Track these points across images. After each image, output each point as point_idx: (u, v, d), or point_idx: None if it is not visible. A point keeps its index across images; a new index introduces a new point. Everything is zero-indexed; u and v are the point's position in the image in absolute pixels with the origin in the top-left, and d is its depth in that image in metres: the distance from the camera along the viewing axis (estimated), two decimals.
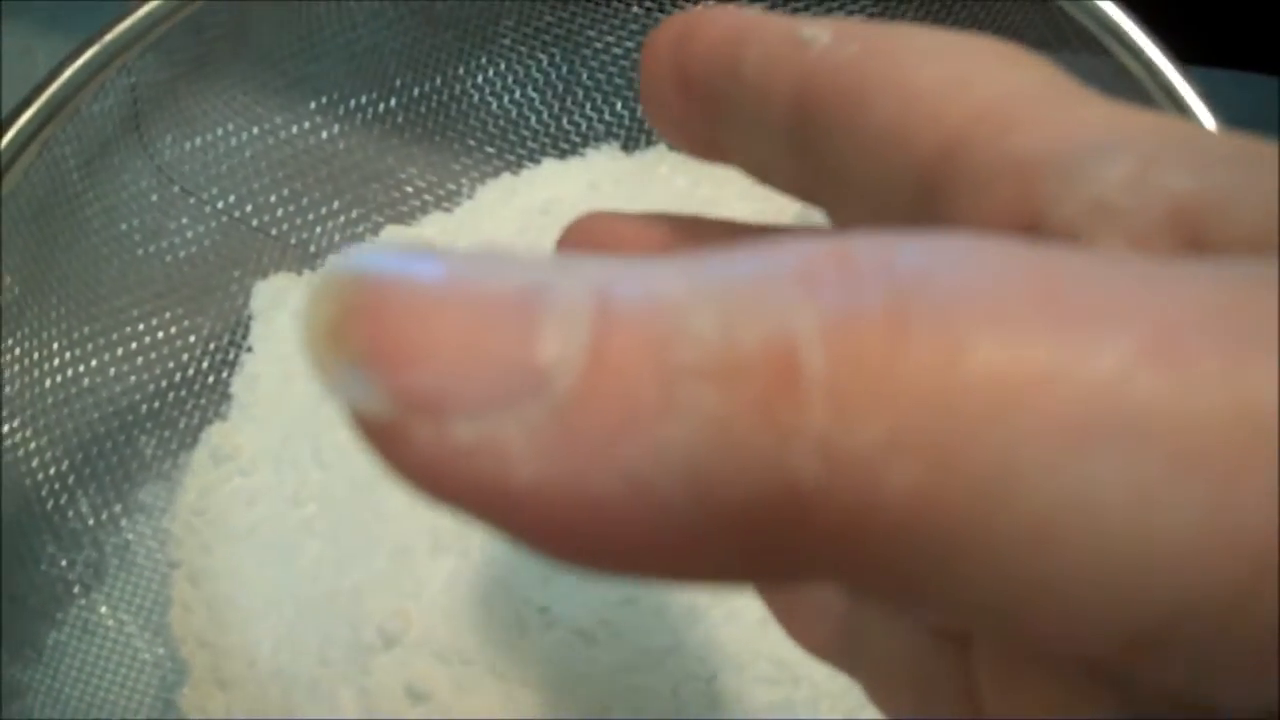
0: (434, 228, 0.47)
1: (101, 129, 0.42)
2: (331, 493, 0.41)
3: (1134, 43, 0.38)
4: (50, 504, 0.43)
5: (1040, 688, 0.11)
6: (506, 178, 0.48)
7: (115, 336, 0.44)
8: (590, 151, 0.48)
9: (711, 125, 0.16)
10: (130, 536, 0.44)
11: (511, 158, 0.49)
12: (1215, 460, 0.08)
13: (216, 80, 0.45)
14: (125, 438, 0.44)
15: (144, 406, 0.45)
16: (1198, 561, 0.08)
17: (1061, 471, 0.08)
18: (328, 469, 0.42)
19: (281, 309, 0.46)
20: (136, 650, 0.42)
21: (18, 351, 0.41)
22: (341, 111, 0.48)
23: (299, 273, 0.47)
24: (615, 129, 0.49)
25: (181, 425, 0.45)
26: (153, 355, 0.45)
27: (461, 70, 0.49)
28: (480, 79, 0.49)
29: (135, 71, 0.42)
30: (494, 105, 0.49)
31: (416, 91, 0.48)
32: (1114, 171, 0.11)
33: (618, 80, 0.49)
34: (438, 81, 0.49)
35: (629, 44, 0.48)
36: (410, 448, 0.09)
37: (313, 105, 0.47)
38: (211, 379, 0.46)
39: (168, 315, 0.45)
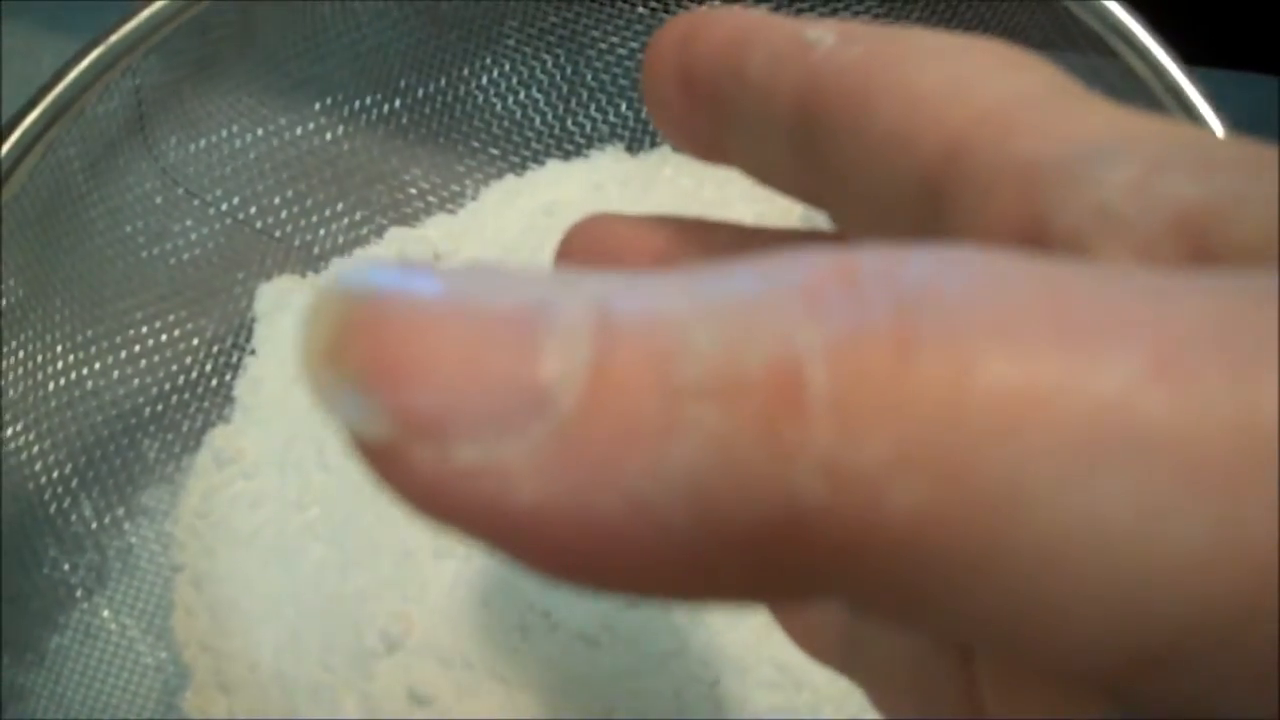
0: (438, 229, 0.47)
1: (106, 131, 0.42)
2: (334, 496, 0.41)
3: (1140, 43, 0.37)
4: (53, 507, 0.43)
5: (1042, 694, 0.11)
6: (510, 179, 0.48)
7: (119, 339, 0.44)
8: (594, 153, 0.48)
9: (715, 126, 0.16)
10: (133, 540, 0.44)
11: (516, 159, 0.49)
12: (1219, 476, 0.08)
13: (221, 82, 0.45)
14: (128, 441, 0.44)
15: (147, 409, 0.45)
16: (1202, 577, 0.08)
17: (1069, 489, 0.08)
18: (331, 472, 0.42)
19: (285, 311, 0.46)
20: (139, 654, 0.42)
21: (21, 354, 0.41)
22: (346, 113, 0.48)
23: (303, 275, 0.47)
24: (619, 130, 0.49)
25: (184, 428, 0.45)
26: (156, 358, 0.45)
27: (466, 71, 0.49)
28: (485, 80, 0.49)
29: (140, 73, 0.42)
30: (498, 106, 0.49)
31: (421, 92, 0.48)
32: (1118, 177, 0.11)
33: (622, 81, 0.49)
34: (442, 82, 0.49)
35: (633, 45, 0.48)
36: (409, 469, 0.09)
37: (317, 106, 0.47)
38: (215, 382, 0.46)
39: (171, 318, 0.45)
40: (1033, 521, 0.08)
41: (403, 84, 0.48)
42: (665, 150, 0.48)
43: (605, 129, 0.49)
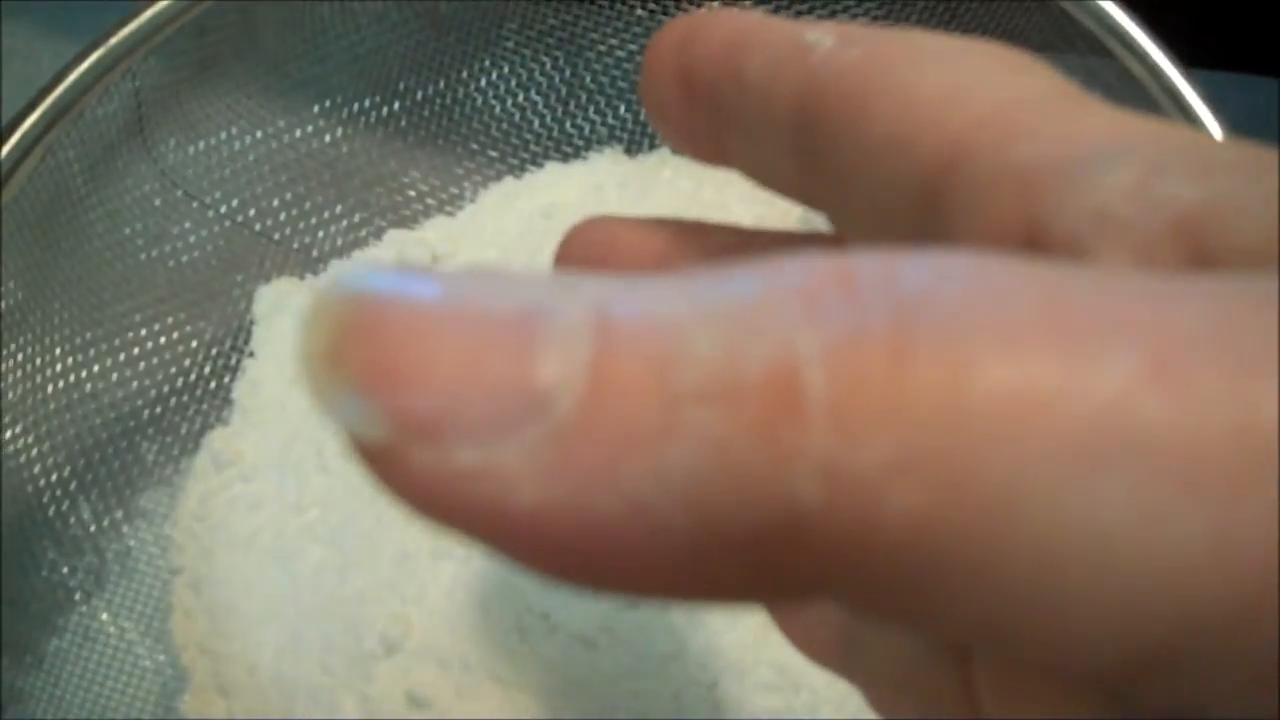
0: (436, 231, 0.47)
1: (105, 133, 0.42)
2: (333, 499, 0.41)
3: (1138, 46, 0.37)
4: (51, 510, 0.43)
5: (1041, 695, 0.12)
6: (509, 181, 0.48)
7: (117, 342, 0.44)
8: (593, 155, 0.48)
9: (714, 128, 0.16)
10: (131, 543, 0.44)
11: (514, 161, 0.49)
12: (1217, 479, 0.08)
13: (220, 84, 0.45)
14: (127, 443, 0.44)
15: (146, 412, 0.45)
16: (1200, 580, 0.08)
17: (1067, 493, 0.08)
18: (330, 475, 0.42)
19: (284, 314, 0.46)
20: (137, 657, 0.42)
21: (20, 357, 0.41)
22: (345, 115, 0.48)
23: (301, 277, 0.47)
24: (618, 132, 0.49)
25: (183, 431, 0.45)
26: (155, 360, 0.45)
27: (465, 73, 0.49)
28: (484, 82, 0.49)
29: (139, 75, 0.42)
30: (497, 109, 0.49)
31: (420, 95, 0.48)
32: (1116, 180, 0.11)
33: (621, 84, 0.49)
34: (441, 85, 0.49)
35: (632, 47, 0.48)
36: (408, 471, 0.09)
37: (316, 109, 0.47)
38: (213, 384, 0.46)
39: (170, 320, 0.45)
40: (1031, 525, 0.08)
41: (402, 86, 0.48)
42: (664, 152, 0.48)
43: (604, 131, 0.49)
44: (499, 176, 0.49)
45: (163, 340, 0.45)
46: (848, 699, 0.37)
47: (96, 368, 0.44)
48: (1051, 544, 0.08)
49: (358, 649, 0.38)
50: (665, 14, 0.47)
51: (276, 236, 0.47)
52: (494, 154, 0.49)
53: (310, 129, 0.47)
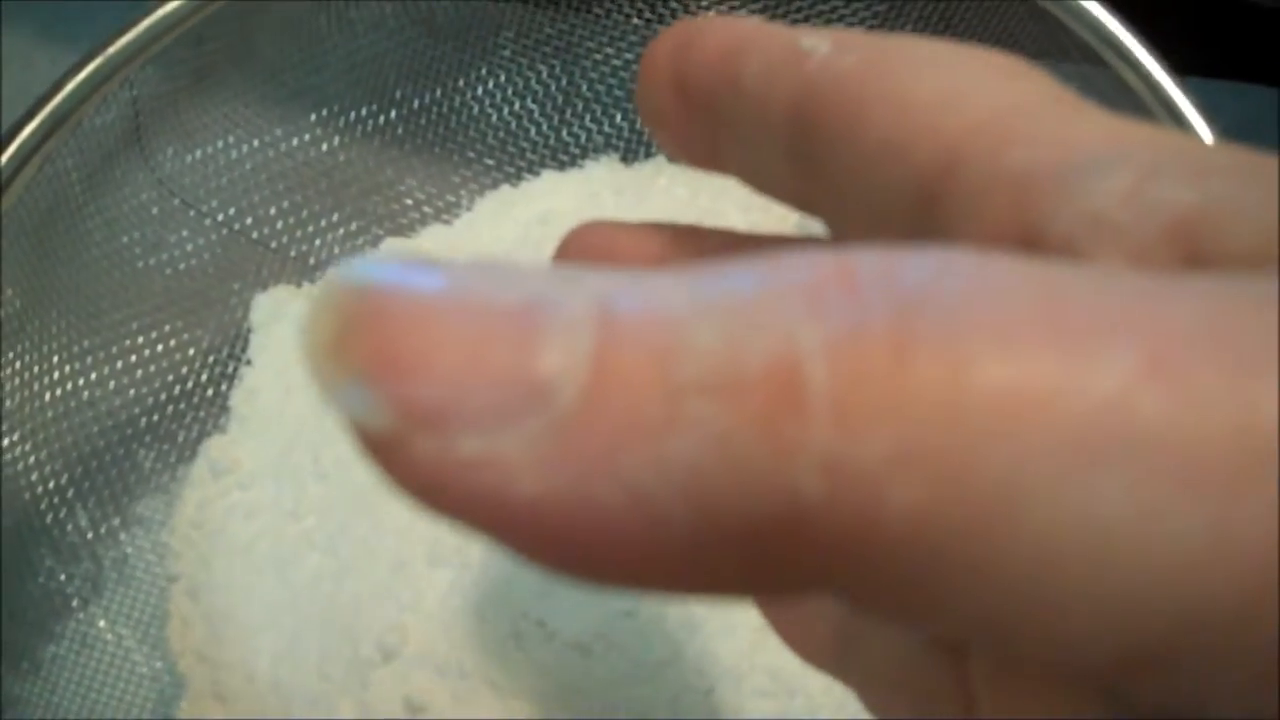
0: (433, 240, 0.47)
1: (103, 142, 0.42)
2: (330, 506, 0.41)
3: (1132, 54, 0.38)
4: (49, 517, 0.43)
5: (1038, 693, 0.12)
6: (505, 189, 0.48)
7: (115, 350, 0.44)
8: (589, 163, 0.48)
9: (711, 135, 0.16)
10: (129, 550, 0.44)
11: (511, 169, 0.49)
12: (1216, 477, 0.08)
13: (217, 93, 0.45)
14: (124, 451, 0.44)
15: (143, 420, 0.45)
16: (1200, 576, 0.08)
17: (1065, 489, 0.08)
18: (327, 482, 0.42)
19: (281, 321, 0.46)
20: (134, 664, 0.42)
21: (18, 365, 0.41)
22: (342, 123, 0.48)
23: (298, 285, 0.47)
24: (614, 140, 0.49)
25: (180, 438, 0.45)
26: (152, 368, 0.45)
27: (461, 82, 0.49)
28: (480, 90, 0.49)
29: (137, 84, 0.42)
30: (493, 117, 0.49)
31: (416, 103, 0.49)
32: (1111, 185, 0.11)
33: (617, 92, 0.49)
34: (438, 93, 0.49)
35: (628, 55, 0.48)
36: (411, 461, 0.09)
37: (313, 117, 0.48)
38: (210, 392, 0.46)
39: (167, 328, 0.45)
40: (1030, 521, 0.09)
41: (398, 95, 0.48)
42: (660, 160, 0.48)
43: (600, 139, 0.49)
44: (495, 184, 0.49)
45: (160, 348, 0.45)
46: (843, 705, 0.37)
47: (94, 375, 0.44)
48: (1050, 540, 0.09)
49: (355, 656, 0.38)
50: (661, 22, 0.47)
51: (273, 245, 0.47)
52: (490, 162, 0.49)
53: (307, 137, 0.48)
